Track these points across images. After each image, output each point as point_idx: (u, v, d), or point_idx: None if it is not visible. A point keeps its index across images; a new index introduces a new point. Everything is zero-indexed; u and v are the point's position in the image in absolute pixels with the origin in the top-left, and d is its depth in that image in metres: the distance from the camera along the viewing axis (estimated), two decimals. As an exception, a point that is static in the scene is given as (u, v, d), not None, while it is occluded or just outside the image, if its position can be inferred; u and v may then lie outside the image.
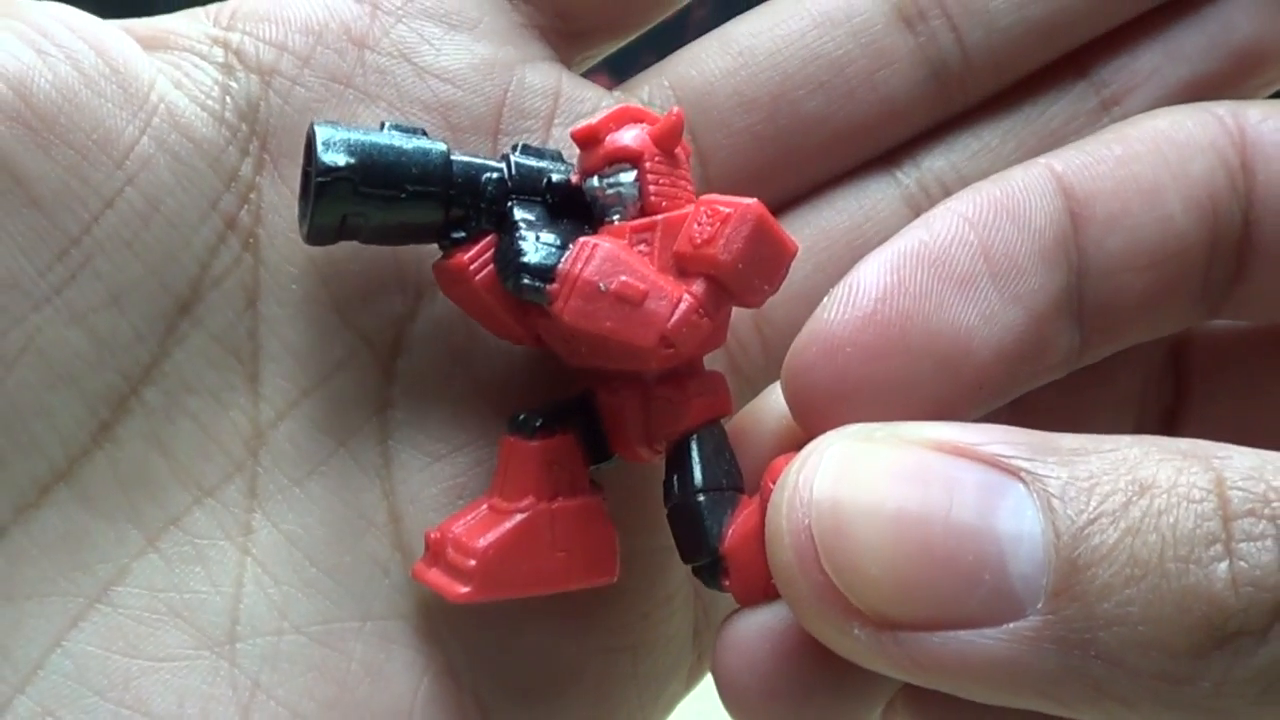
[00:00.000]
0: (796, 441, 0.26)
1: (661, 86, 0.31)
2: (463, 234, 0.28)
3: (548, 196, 0.28)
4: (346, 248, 0.28)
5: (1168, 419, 0.30)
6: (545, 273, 0.26)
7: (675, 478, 0.28)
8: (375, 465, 0.29)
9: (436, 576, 0.27)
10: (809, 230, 0.32)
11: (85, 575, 0.26)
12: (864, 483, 0.23)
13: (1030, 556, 0.21)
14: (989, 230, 0.26)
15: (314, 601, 0.28)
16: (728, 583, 0.27)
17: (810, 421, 0.26)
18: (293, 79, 0.28)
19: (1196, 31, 0.31)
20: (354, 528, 0.28)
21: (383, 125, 0.27)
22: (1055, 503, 0.21)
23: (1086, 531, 0.21)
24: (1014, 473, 0.22)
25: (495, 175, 0.28)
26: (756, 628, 0.26)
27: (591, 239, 0.26)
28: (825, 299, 0.26)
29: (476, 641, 0.29)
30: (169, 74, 0.27)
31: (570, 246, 0.26)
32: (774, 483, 0.25)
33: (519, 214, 0.27)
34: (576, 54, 0.32)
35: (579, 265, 0.26)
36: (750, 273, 0.26)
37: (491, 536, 0.27)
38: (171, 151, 0.27)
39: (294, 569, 0.28)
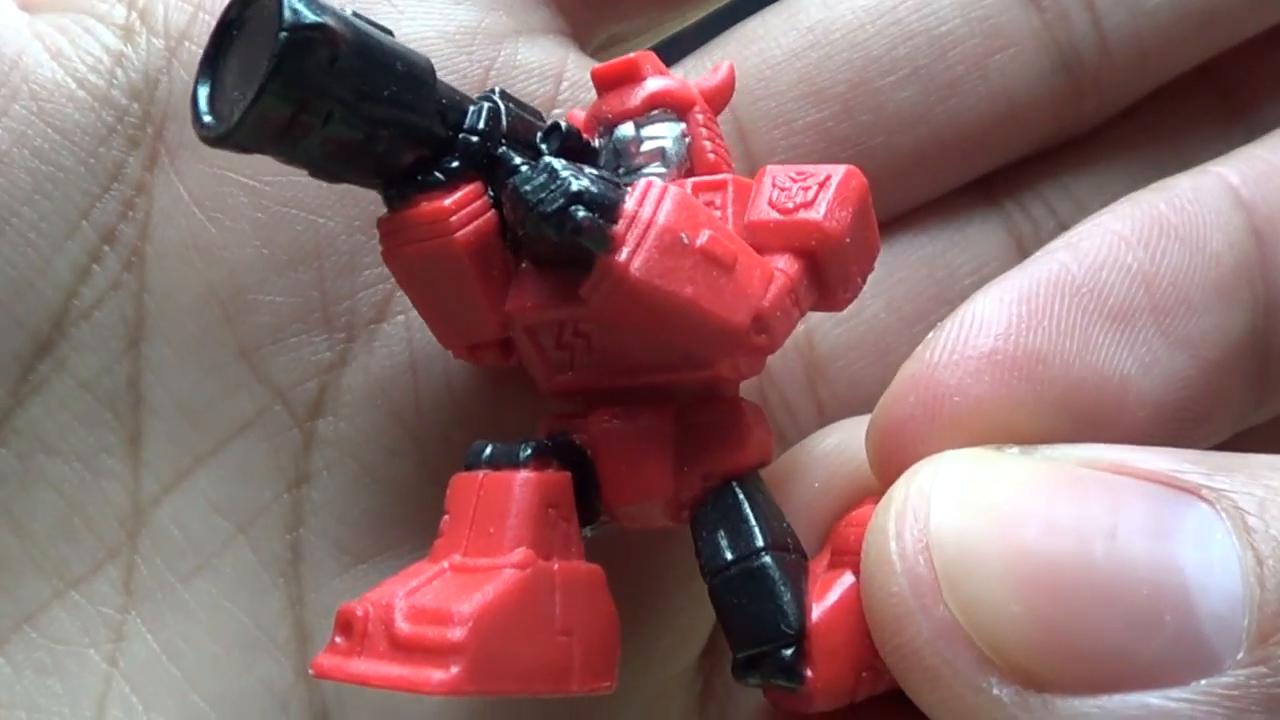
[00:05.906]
0: (854, 502, 0.22)
1: (707, 68, 0.25)
2: (438, 175, 0.21)
3: (544, 147, 0.22)
4: (257, 268, 0.23)
5: None
6: (607, 207, 0.20)
7: (721, 538, 0.22)
8: (281, 561, 0.24)
9: (376, 665, 0.19)
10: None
11: None
12: (1000, 496, 0.19)
13: (1225, 591, 0.18)
14: (1153, 253, 0.22)
15: None
16: (810, 674, 0.21)
17: None
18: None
19: None
20: (249, 645, 0.24)
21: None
22: (1252, 521, 0.18)
23: None
24: (1193, 490, 0.18)
25: (489, 107, 0.22)
26: None
27: (653, 179, 0.21)
28: (930, 335, 0.21)
29: None
30: (50, 40, 0.24)
31: (628, 185, 0.20)
32: (858, 537, 0.21)
33: (517, 157, 0.21)
34: (599, 29, 0.27)
35: (649, 206, 0.20)
36: (851, 254, 0.22)
37: (479, 599, 0.19)
38: (31, 146, 0.23)
39: (170, 693, 0.23)
